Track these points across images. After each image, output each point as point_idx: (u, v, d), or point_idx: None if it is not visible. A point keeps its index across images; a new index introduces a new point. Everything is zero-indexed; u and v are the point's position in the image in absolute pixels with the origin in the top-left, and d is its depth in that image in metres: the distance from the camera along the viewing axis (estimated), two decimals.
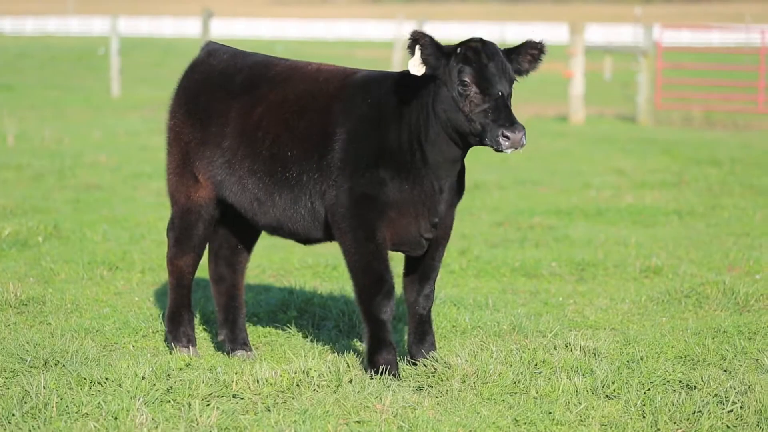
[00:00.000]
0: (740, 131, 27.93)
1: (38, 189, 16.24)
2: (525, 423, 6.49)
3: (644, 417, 6.55)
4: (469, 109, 6.84)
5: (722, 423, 6.46)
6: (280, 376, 6.93)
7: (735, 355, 7.79)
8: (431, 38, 6.91)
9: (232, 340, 7.96)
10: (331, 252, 11.09)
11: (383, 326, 7.14)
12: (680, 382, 7.17)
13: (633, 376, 7.17)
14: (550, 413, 6.58)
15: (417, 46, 6.88)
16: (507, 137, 6.74)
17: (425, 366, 7.28)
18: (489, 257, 11.43)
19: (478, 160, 19.88)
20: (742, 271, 11.07)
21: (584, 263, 11.22)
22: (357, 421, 6.42)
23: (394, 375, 7.13)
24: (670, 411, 6.54)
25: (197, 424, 6.31)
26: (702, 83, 35.74)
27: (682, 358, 7.75)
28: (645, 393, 6.88)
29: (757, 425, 6.44)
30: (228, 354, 7.94)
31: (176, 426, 6.26)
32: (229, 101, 7.52)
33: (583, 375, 7.16)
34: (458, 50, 6.93)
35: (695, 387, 7.04)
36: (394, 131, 7.09)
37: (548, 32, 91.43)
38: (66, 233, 12.43)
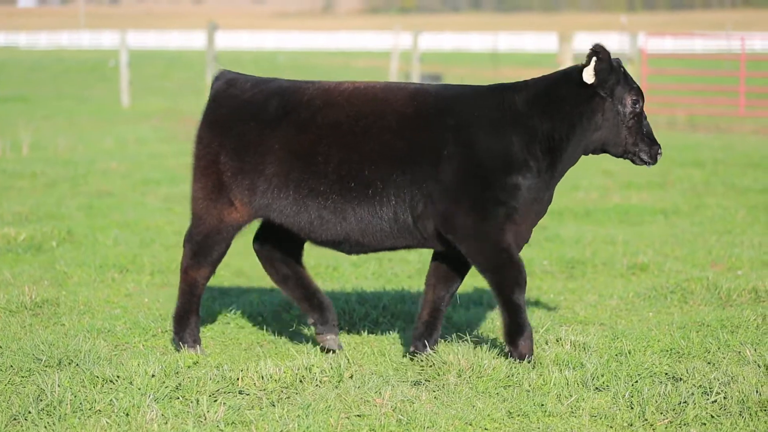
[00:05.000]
0: (722, 134, 28.03)
1: (52, 196, 16.29)
2: (518, 415, 6.59)
3: (632, 408, 6.64)
4: (635, 125, 7.37)
5: (706, 413, 6.55)
6: (284, 372, 7.05)
7: (718, 348, 7.88)
8: (609, 54, 7.26)
9: (323, 322, 7.99)
10: (331, 254, 11.07)
11: (524, 311, 7.38)
12: (666, 374, 7.27)
13: (621, 369, 7.27)
14: (542, 405, 6.69)
15: (594, 58, 7.23)
16: (660, 154, 7.51)
17: (423, 361, 7.43)
18: None
19: None
20: (725, 267, 11.16)
21: (574, 261, 11.29)
22: (358, 415, 6.52)
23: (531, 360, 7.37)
24: (656, 402, 6.64)
25: (205, 419, 6.41)
26: (685, 88, 35.95)
27: (668, 351, 7.85)
28: (633, 385, 6.97)
29: (740, 414, 6.52)
30: (319, 336, 7.95)
31: (185, 421, 6.38)
32: (265, 130, 7.56)
33: (574, 368, 7.26)
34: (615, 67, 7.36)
35: (681, 379, 7.15)
36: (519, 141, 7.32)
37: (539, 41, 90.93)
38: (79, 238, 12.55)
